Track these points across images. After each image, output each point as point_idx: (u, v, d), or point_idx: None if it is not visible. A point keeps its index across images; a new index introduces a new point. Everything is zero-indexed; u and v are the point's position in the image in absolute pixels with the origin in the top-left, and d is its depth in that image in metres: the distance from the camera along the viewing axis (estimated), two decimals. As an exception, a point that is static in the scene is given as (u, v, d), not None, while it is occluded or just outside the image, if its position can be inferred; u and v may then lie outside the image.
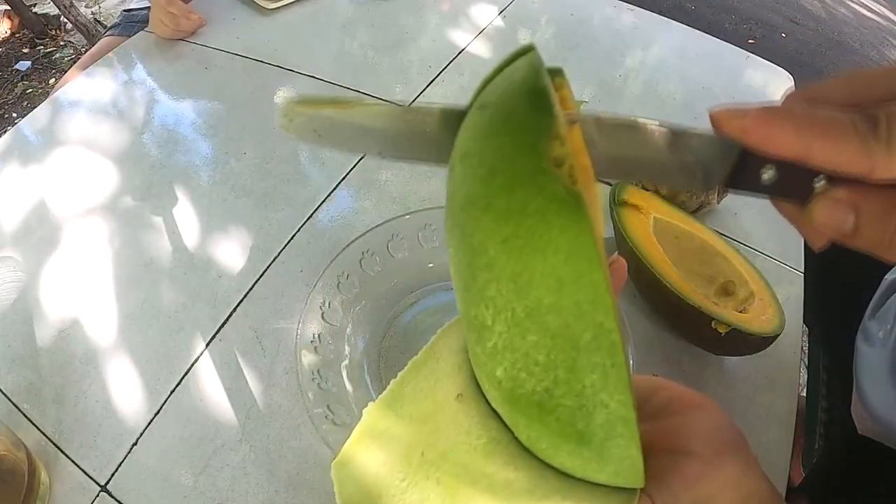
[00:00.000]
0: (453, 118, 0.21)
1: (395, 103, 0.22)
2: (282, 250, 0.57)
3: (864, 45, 2.52)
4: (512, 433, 0.22)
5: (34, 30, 2.07)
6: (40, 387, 0.49)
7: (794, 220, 0.19)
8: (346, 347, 0.45)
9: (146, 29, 0.81)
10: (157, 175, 0.64)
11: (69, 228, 0.60)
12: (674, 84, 0.77)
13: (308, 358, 0.42)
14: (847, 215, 0.17)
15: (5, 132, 0.72)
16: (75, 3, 1.81)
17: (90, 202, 0.62)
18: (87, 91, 0.74)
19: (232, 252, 0.57)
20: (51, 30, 2.11)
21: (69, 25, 2.00)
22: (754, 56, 0.84)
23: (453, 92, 0.74)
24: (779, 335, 0.46)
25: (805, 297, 0.56)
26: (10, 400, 0.48)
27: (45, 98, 0.86)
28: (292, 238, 0.58)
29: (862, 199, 0.17)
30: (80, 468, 0.45)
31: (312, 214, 0.60)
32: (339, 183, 0.63)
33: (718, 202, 0.60)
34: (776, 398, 0.49)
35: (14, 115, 1.84)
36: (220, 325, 0.52)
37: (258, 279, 0.55)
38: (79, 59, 1.09)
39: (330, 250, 0.53)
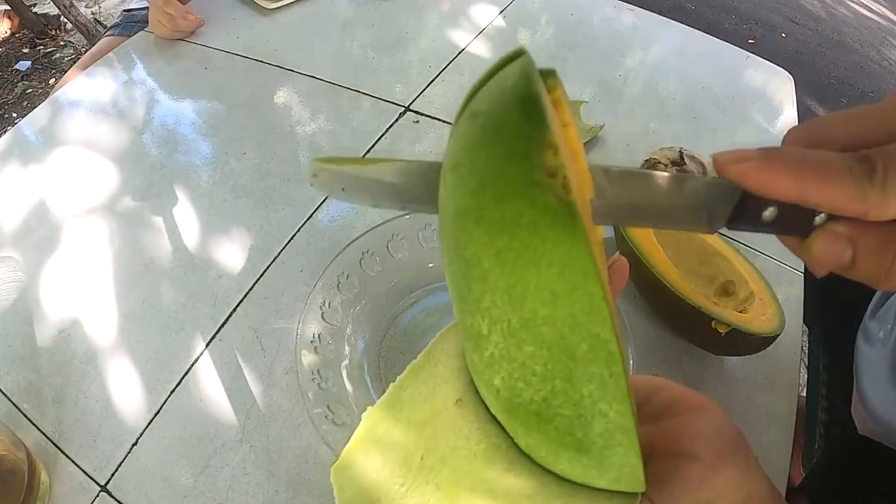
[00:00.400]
0: None
1: (413, 161, 0.22)
2: (282, 250, 0.57)
3: (864, 45, 2.52)
4: (512, 439, 0.22)
5: (34, 30, 2.08)
6: (40, 387, 0.49)
7: (796, 251, 0.20)
8: (346, 347, 0.45)
9: (146, 29, 0.81)
10: (157, 175, 0.64)
11: (69, 228, 0.60)
12: (674, 84, 0.77)
13: (308, 358, 0.42)
14: (845, 249, 0.17)
15: (5, 132, 0.72)
16: (75, 3, 1.82)
17: (90, 202, 0.62)
18: (87, 91, 0.74)
19: (232, 252, 0.57)
20: (51, 30, 2.11)
21: (69, 25, 2.00)
22: (754, 56, 0.84)
23: (453, 92, 0.73)
24: (779, 335, 0.46)
25: (805, 297, 0.56)
26: (10, 400, 0.48)
27: (45, 98, 0.86)
28: (292, 238, 0.58)
29: (860, 234, 0.17)
30: (80, 468, 0.45)
31: (312, 214, 0.60)
32: (339, 183, 0.63)
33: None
34: (776, 398, 0.49)
35: (14, 115, 1.84)
36: (220, 325, 0.52)
37: (258, 279, 0.55)
38: (79, 59, 1.09)
39: (330, 250, 0.53)
